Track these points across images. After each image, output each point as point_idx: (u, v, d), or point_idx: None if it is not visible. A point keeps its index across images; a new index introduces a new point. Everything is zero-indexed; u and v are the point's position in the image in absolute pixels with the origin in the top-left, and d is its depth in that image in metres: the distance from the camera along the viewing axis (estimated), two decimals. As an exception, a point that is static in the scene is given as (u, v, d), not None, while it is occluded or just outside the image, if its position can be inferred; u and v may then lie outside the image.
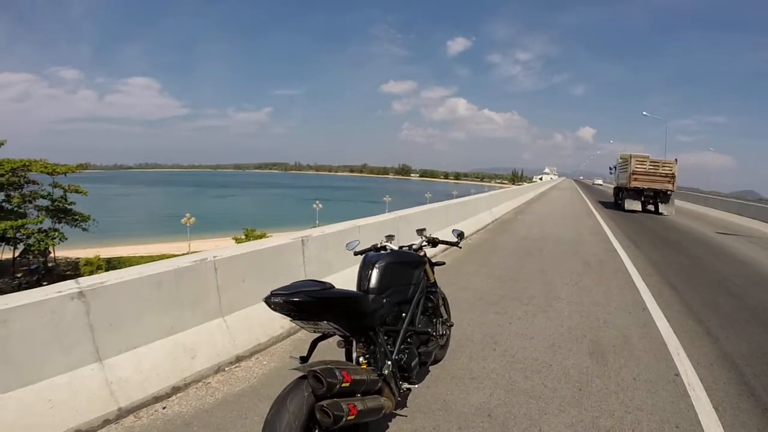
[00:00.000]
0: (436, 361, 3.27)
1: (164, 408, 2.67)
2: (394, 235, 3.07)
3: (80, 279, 2.63)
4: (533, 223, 12.77)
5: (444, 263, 3.84)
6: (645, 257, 8.02)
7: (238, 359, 3.28)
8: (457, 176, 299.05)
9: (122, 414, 2.53)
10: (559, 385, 3.10)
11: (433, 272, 3.19)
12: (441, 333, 3.12)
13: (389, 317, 2.52)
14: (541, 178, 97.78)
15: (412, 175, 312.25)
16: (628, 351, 3.70)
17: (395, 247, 2.90)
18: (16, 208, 26.92)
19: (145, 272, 2.84)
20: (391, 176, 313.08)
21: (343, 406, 1.77)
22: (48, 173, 28.28)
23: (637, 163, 18.81)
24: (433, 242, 3.18)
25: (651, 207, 18.91)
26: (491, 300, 5.07)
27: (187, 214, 40.86)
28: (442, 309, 3.32)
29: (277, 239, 4.18)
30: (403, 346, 2.51)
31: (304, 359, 2.12)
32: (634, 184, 18.72)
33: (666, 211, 18.51)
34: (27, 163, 26.96)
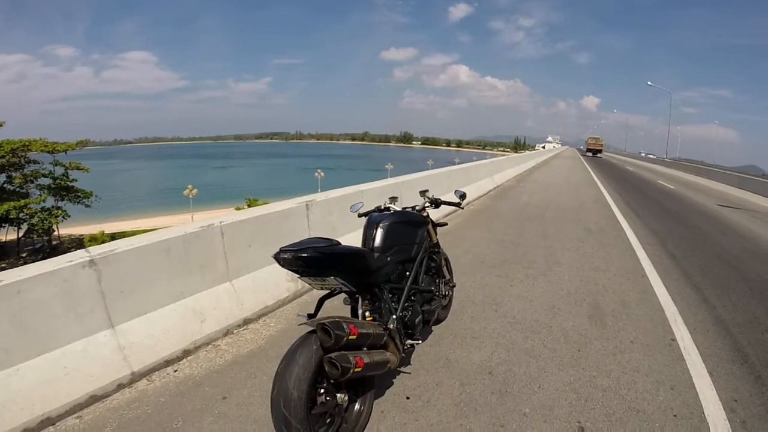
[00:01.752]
0: (438, 321, 3.34)
1: (176, 371, 2.73)
2: (397, 197, 3.08)
3: (91, 248, 2.63)
4: (535, 191, 12.73)
5: (446, 224, 3.88)
6: (646, 226, 7.99)
7: (246, 322, 3.35)
8: (459, 144, 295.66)
9: (135, 378, 2.58)
10: (559, 345, 3.16)
11: (435, 233, 3.23)
12: (444, 293, 3.18)
13: (394, 275, 2.57)
14: (543, 147, 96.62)
15: (413, 142, 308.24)
16: (627, 315, 3.75)
17: (398, 209, 2.92)
18: (18, 189, 26.66)
19: (153, 239, 2.86)
20: (392, 144, 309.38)
21: (351, 359, 1.83)
22: (48, 152, 27.82)
23: (589, 140, 61.68)
24: (436, 203, 3.20)
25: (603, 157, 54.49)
26: (493, 263, 5.14)
27: (189, 186, 40.76)
28: (445, 270, 3.37)
29: (282, 204, 4.16)
30: (407, 304, 2.57)
31: (311, 316, 2.14)
32: (588, 147, 59.89)
33: (601, 155, 56.27)
34: (27, 143, 26.49)
